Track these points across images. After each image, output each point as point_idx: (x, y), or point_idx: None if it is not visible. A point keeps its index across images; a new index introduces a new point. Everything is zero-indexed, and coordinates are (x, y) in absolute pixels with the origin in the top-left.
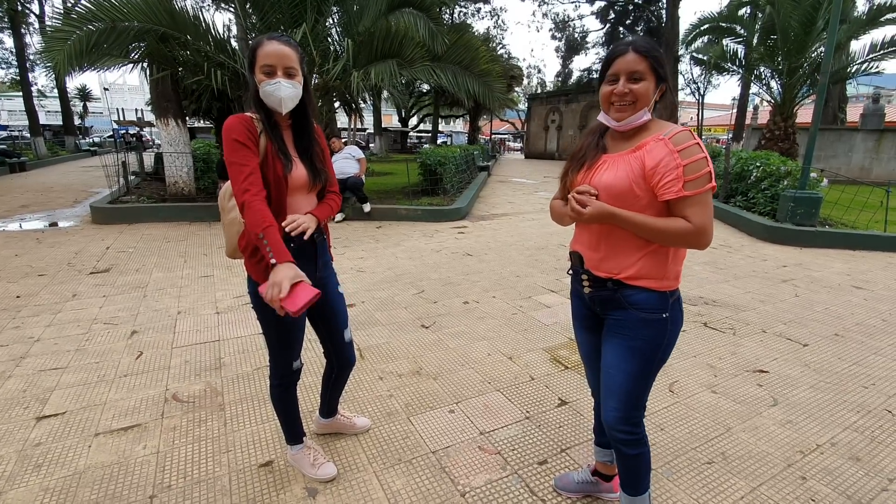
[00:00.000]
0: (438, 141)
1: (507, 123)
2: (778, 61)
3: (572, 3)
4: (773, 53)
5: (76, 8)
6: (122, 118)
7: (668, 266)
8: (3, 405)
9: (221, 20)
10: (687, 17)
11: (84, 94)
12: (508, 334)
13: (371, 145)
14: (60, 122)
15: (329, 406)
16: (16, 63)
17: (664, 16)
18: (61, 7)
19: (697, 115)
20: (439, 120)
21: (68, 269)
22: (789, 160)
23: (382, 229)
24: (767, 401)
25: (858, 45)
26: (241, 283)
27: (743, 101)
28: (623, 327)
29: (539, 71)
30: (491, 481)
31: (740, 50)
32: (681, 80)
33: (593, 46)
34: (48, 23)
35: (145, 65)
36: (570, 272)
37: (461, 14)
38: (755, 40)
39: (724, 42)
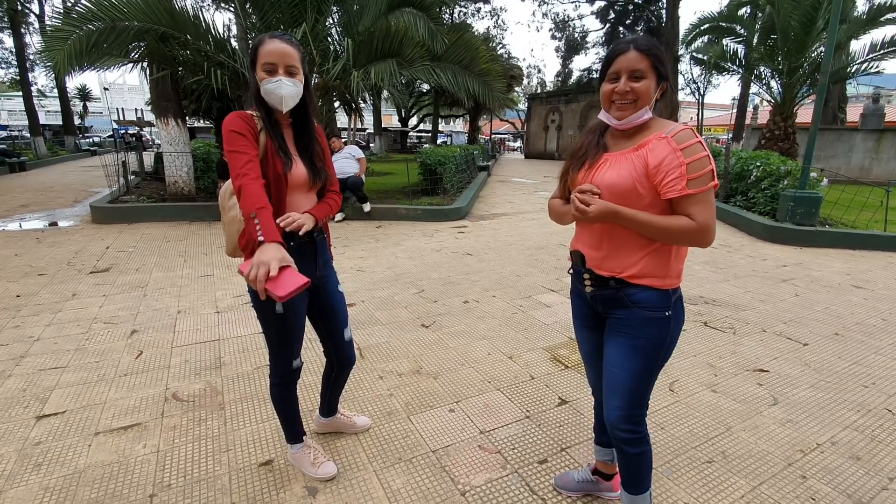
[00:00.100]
0: (438, 141)
1: (507, 123)
2: (778, 61)
3: (572, 3)
4: (773, 53)
5: (76, 7)
6: (122, 118)
7: (671, 264)
8: (3, 404)
9: (221, 20)
10: (687, 17)
11: (84, 94)
12: (508, 333)
13: (371, 145)
14: (60, 122)
15: (329, 405)
16: (16, 63)
17: (664, 16)
18: (61, 6)
19: (697, 114)
20: (439, 120)
21: (68, 268)
22: (789, 160)
23: (382, 229)
24: (768, 400)
25: (858, 45)
26: (240, 282)
27: (743, 100)
28: (626, 326)
29: (539, 71)
30: (491, 480)
31: (740, 50)
32: (681, 80)
33: (593, 46)
34: (48, 22)
35: (145, 64)
36: (571, 271)
37: (461, 14)
38: (755, 40)
39: (724, 42)
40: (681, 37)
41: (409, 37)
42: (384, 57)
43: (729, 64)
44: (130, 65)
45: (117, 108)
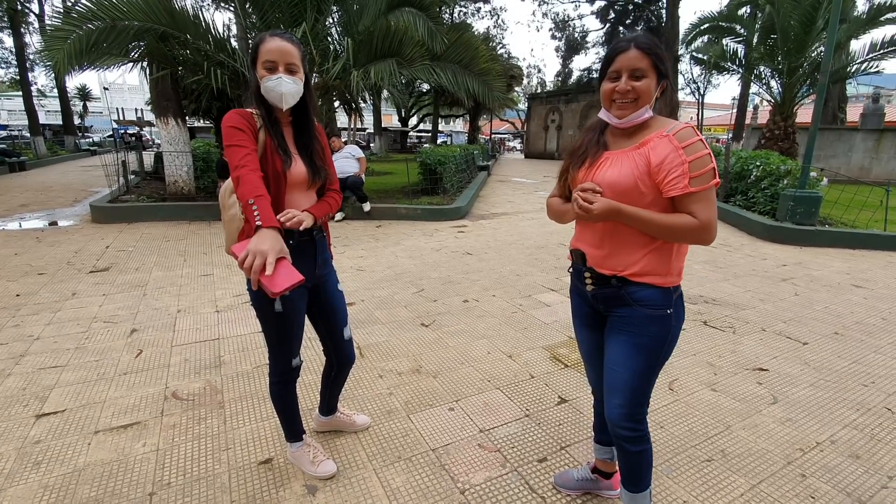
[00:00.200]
0: (438, 141)
1: (507, 123)
2: (778, 61)
3: (572, 2)
4: (773, 53)
5: (76, 7)
6: (121, 118)
7: (672, 262)
8: (3, 403)
9: (221, 19)
10: (687, 17)
11: (84, 94)
12: (508, 333)
13: (371, 145)
14: (60, 122)
15: (329, 404)
16: (15, 63)
17: (664, 15)
18: (61, 6)
19: (697, 114)
20: (439, 120)
21: (68, 267)
22: (789, 159)
23: (382, 228)
24: (767, 399)
25: (858, 45)
26: (240, 281)
27: (743, 100)
28: (628, 324)
29: (539, 71)
30: (491, 479)
31: (740, 49)
32: (681, 80)
33: (593, 46)
34: (48, 22)
35: (145, 64)
36: (571, 270)
37: (461, 13)
38: (755, 40)
39: (724, 41)
40: (681, 36)
41: (408, 36)
42: (384, 56)
43: (729, 64)
44: (130, 64)
45: (117, 108)
